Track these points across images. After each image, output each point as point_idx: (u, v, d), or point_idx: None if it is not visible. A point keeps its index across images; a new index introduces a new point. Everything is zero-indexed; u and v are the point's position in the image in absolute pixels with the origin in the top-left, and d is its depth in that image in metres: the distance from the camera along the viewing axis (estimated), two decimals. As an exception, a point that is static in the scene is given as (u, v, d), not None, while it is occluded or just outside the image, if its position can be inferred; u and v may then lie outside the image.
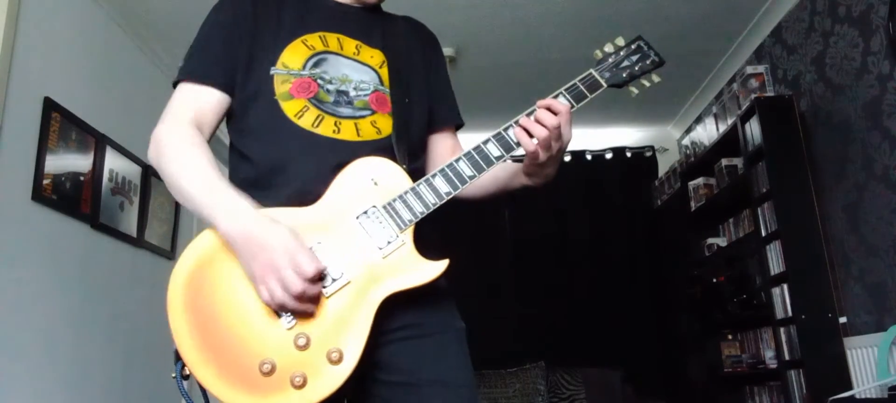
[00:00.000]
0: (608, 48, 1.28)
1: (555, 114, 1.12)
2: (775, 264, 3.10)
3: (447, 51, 3.72)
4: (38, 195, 2.56)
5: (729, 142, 3.55)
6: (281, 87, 1.15)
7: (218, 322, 1.01)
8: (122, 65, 3.31)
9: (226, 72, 1.17)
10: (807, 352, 2.88)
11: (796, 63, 3.31)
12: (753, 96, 3.25)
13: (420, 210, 1.08)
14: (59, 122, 2.70)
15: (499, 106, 4.52)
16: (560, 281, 4.72)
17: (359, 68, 1.21)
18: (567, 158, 4.95)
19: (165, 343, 3.84)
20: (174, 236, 3.76)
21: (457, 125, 1.38)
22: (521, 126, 1.13)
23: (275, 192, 1.10)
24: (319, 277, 1.00)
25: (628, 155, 5.04)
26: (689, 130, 4.66)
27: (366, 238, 1.06)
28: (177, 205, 3.80)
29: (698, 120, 4.55)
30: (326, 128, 1.14)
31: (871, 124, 2.74)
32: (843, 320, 2.92)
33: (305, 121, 1.13)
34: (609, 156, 5.01)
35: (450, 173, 1.11)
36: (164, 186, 4.12)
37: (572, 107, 1.17)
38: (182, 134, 1.12)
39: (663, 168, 4.91)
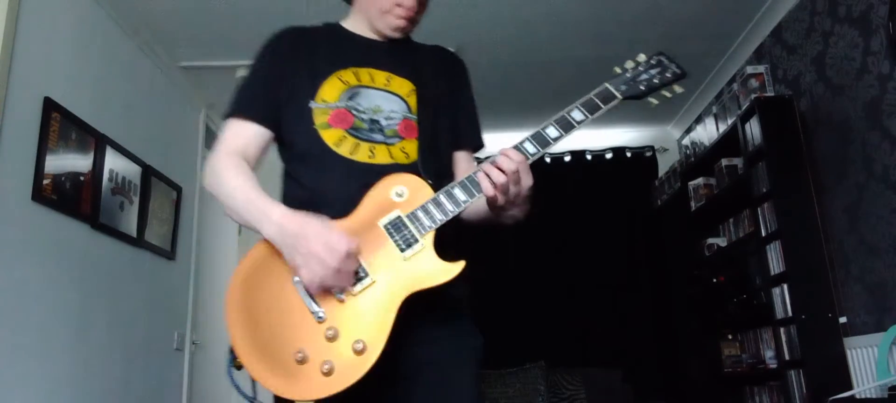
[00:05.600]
0: (628, 64, 1.33)
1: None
2: (775, 264, 3.10)
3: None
4: (38, 195, 2.56)
5: (729, 142, 3.55)
6: (320, 118, 1.29)
7: (263, 318, 1.13)
8: (122, 65, 3.31)
9: (264, 109, 1.33)
10: (807, 352, 2.88)
11: (796, 63, 3.31)
12: (753, 96, 3.26)
13: (440, 217, 1.17)
14: (59, 122, 2.70)
15: (499, 106, 4.51)
16: (560, 281, 4.72)
17: (389, 98, 1.33)
18: (567, 158, 4.96)
19: (165, 342, 3.84)
20: (174, 236, 3.75)
21: (475, 147, 1.47)
22: (484, 171, 1.17)
23: (323, 212, 1.19)
24: (353, 253, 1.11)
25: (628, 155, 5.04)
26: (689, 130, 4.66)
27: (390, 242, 1.16)
28: (176, 205, 3.81)
29: (698, 120, 4.55)
30: (362, 155, 1.26)
31: (871, 124, 2.74)
32: (843, 320, 2.92)
33: (344, 150, 1.26)
34: (609, 156, 5.02)
35: (469, 185, 1.19)
36: (164, 186, 4.11)
37: (586, 119, 1.25)
38: (227, 161, 1.28)
39: (663, 168, 4.91)
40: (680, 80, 1.34)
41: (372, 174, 1.22)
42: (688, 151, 4.45)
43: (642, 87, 1.32)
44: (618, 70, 1.32)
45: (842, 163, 2.94)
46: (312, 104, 1.30)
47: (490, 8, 3.38)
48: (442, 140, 1.36)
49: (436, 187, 1.21)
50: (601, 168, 5.00)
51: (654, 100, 1.33)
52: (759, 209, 3.22)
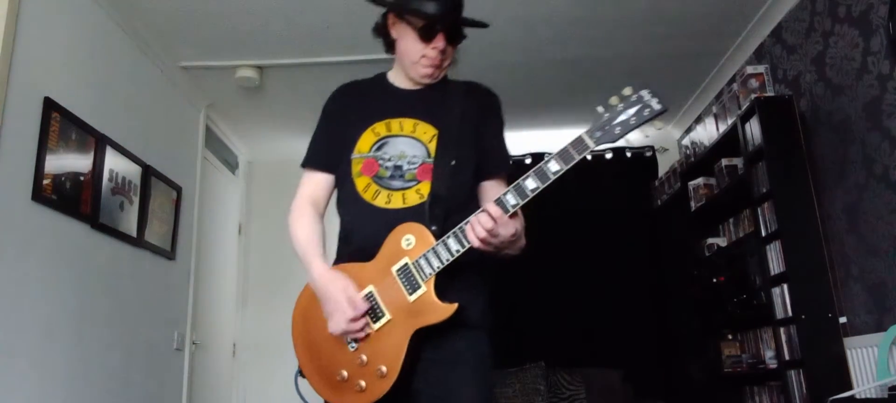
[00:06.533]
0: (612, 100, 1.41)
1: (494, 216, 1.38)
2: (775, 264, 3.10)
3: (447, 51, 3.72)
4: (38, 195, 2.56)
5: (729, 142, 3.55)
6: (356, 167, 1.57)
7: (316, 345, 1.52)
8: (122, 65, 3.31)
9: (327, 160, 1.65)
10: (807, 352, 2.87)
11: (796, 63, 3.31)
12: (753, 96, 3.25)
13: (437, 265, 1.43)
14: (59, 122, 2.70)
15: (499, 106, 4.51)
16: (560, 280, 4.72)
17: (413, 144, 1.57)
18: (567, 158, 4.96)
19: (165, 342, 3.85)
20: (174, 236, 3.75)
21: (503, 173, 1.66)
22: (472, 224, 1.40)
23: (350, 245, 1.57)
24: (362, 315, 1.43)
25: (628, 155, 5.04)
26: (689, 130, 4.66)
27: (400, 287, 1.45)
28: (177, 206, 3.81)
29: (698, 120, 4.55)
30: (381, 200, 1.54)
31: (871, 124, 2.74)
32: (843, 320, 2.92)
33: (368, 195, 1.55)
34: (609, 156, 5.01)
35: (459, 234, 1.42)
36: (164, 186, 4.10)
37: (561, 170, 1.40)
38: (298, 211, 1.63)
39: (663, 168, 4.91)
40: (658, 116, 1.39)
41: (387, 217, 1.50)
42: (688, 151, 4.45)
43: (617, 131, 1.39)
44: (599, 109, 1.41)
45: (842, 163, 2.94)
46: (352, 155, 1.58)
47: (490, 9, 3.38)
48: (461, 177, 1.56)
49: (441, 231, 1.44)
50: (601, 168, 4.99)
51: (624, 143, 1.43)
52: (759, 209, 3.22)
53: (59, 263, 2.71)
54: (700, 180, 4.03)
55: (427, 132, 1.57)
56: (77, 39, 2.93)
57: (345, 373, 1.45)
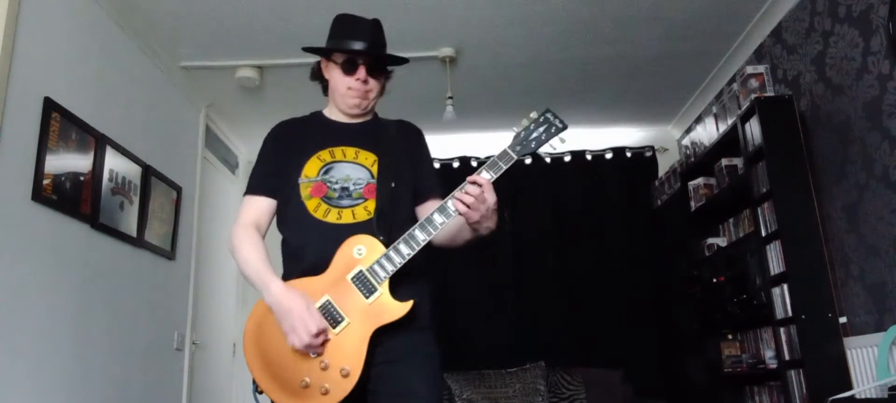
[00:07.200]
0: (524, 122, 1.69)
1: (480, 185, 1.56)
2: (775, 264, 3.10)
3: (447, 51, 3.73)
4: (38, 195, 2.56)
5: (729, 142, 3.55)
6: (304, 191, 1.71)
7: (273, 358, 1.58)
8: (122, 65, 3.31)
9: (270, 186, 1.78)
10: (807, 352, 2.88)
11: (796, 63, 3.31)
12: (753, 96, 3.25)
13: (391, 269, 1.58)
14: (59, 122, 2.70)
15: (498, 106, 4.51)
16: (560, 281, 4.72)
17: (357, 168, 1.75)
18: (567, 158, 4.96)
19: (165, 343, 3.84)
20: (174, 236, 3.75)
21: (439, 193, 1.80)
22: (456, 198, 1.57)
23: (301, 262, 1.66)
24: (321, 331, 1.53)
25: (628, 155, 5.03)
26: (689, 130, 4.66)
27: (357, 292, 1.58)
28: (177, 206, 3.81)
29: (698, 120, 4.54)
30: (332, 217, 1.68)
31: (871, 124, 2.74)
32: (843, 320, 2.92)
33: (319, 214, 1.69)
34: (609, 156, 5.01)
35: (409, 239, 1.59)
36: (164, 186, 4.10)
37: (492, 178, 1.60)
38: (242, 234, 1.71)
39: (663, 168, 4.91)
40: (561, 132, 1.68)
41: (339, 231, 1.63)
42: (688, 151, 4.45)
43: (533, 145, 1.67)
44: (515, 129, 1.68)
45: (842, 163, 2.94)
46: (299, 180, 1.72)
47: (490, 8, 3.38)
48: (402, 196, 1.75)
49: (388, 241, 1.60)
50: (601, 168, 4.99)
51: (542, 152, 1.60)
52: (759, 209, 3.22)
53: (59, 263, 2.70)
54: (700, 180, 4.03)
55: (368, 158, 1.76)
56: (77, 39, 2.93)
57: (307, 380, 1.54)
